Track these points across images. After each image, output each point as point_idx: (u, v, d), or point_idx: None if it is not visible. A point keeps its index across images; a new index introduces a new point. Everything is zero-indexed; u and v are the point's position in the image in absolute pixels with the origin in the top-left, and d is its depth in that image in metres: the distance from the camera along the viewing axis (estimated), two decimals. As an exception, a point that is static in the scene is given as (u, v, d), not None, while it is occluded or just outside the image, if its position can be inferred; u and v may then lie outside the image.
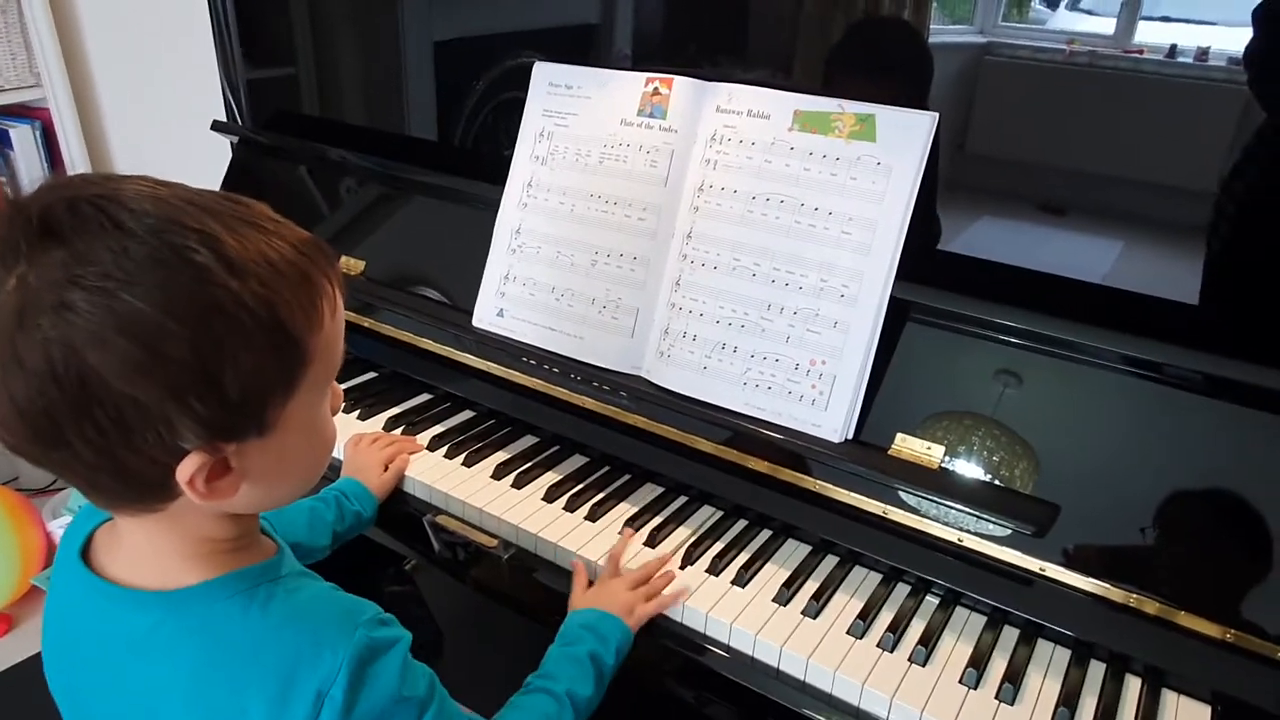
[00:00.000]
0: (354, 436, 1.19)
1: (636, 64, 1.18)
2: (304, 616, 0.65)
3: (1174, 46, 0.90)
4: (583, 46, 1.25)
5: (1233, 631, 0.83)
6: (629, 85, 1.13)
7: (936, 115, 0.96)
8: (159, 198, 0.57)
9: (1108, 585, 0.88)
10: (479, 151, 1.37)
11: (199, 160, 1.68)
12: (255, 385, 0.58)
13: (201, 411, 0.56)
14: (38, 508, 2.01)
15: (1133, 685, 0.88)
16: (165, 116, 2.16)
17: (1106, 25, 0.93)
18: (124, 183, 0.58)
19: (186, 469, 0.58)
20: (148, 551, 0.65)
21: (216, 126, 1.60)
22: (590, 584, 0.99)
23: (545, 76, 1.20)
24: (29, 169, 2.23)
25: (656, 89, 1.11)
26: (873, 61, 1.06)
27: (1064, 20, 0.98)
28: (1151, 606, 0.87)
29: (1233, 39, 0.85)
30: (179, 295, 0.54)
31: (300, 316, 0.60)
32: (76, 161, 2.25)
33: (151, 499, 0.61)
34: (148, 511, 0.62)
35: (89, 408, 0.54)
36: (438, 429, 1.25)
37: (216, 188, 1.55)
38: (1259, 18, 0.83)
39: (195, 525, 0.64)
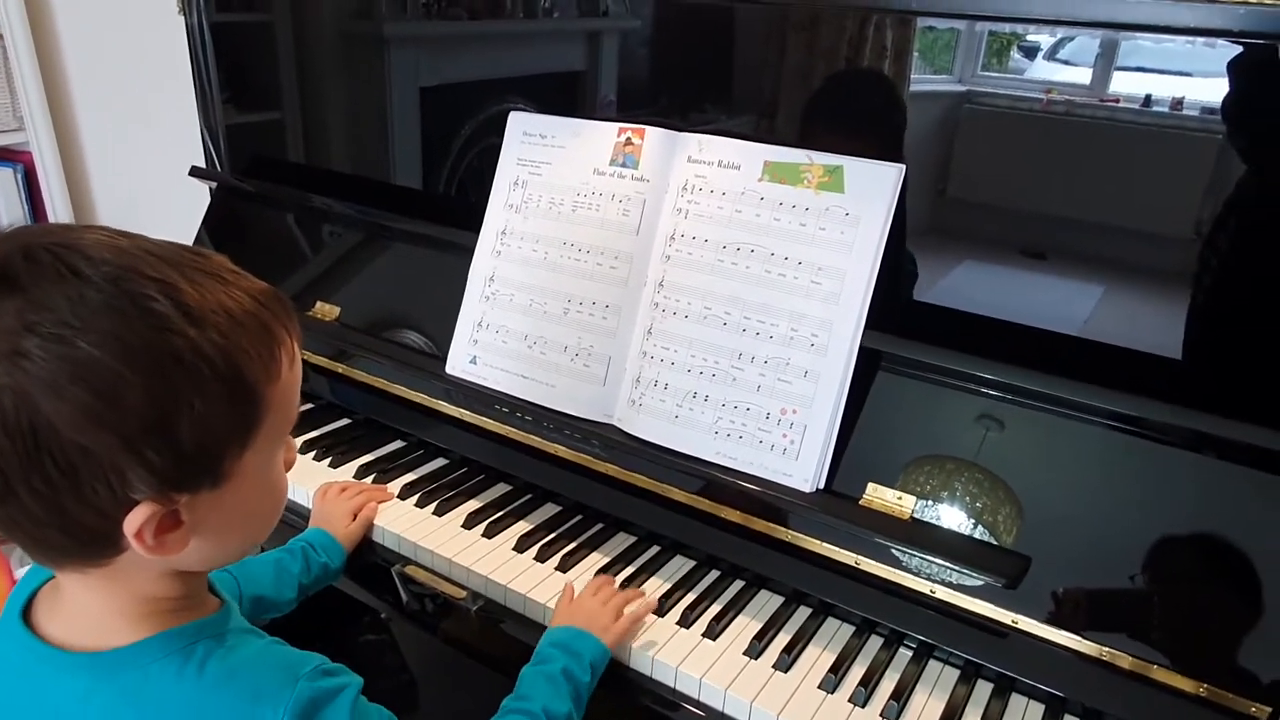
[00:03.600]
0: (322, 486, 1.17)
1: (621, 111, 1.19)
2: (241, 674, 0.63)
3: (1149, 96, 0.91)
4: (568, 94, 1.27)
5: (1206, 686, 0.82)
6: (601, 135, 1.14)
7: (903, 167, 0.97)
8: (118, 247, 0.57)
9: (1081, 639, 0.87)
10: (462, 198, 1.38)
11: (182, 205, 1.68)
12: (211, 435, 0.57)
13: (155, 462, 0.55)
14: (6, 555, 1.97)
15: (1107, 741, 0.87)
16: (149, 161, 2.17)
17: (1083, 75, 0.94)
18: (83, 232, 0.58)
19: (135, 520, 0.56)
20: (87, 611, 0.64)
21: (195, 172, 1.60)
22: None
23: (520, 126, 1.21)
24: (9, 212, 2.23)
25: (629, 139, 1.12)
26: (848, 113, 1.07)
27: (1042, 70, 0.99)
28: (1125, 660, 0.85)
29: (1205, 89, 0.86)
30: (135, 343, 0.54)
31: (258, 367, 0.59)
32: (58, 205, 2.25)
33: (97, 554, 0.60)
34: (92, 567, 0.61)
35: (39, 458, 0.53)
36: (409, 477, 1.24)
37: (195, 232, 1.56)
38: (1234, 69, 0.85)
39: (139, 583, 0.63)
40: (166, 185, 1.79)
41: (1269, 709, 0.80)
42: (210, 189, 1.62)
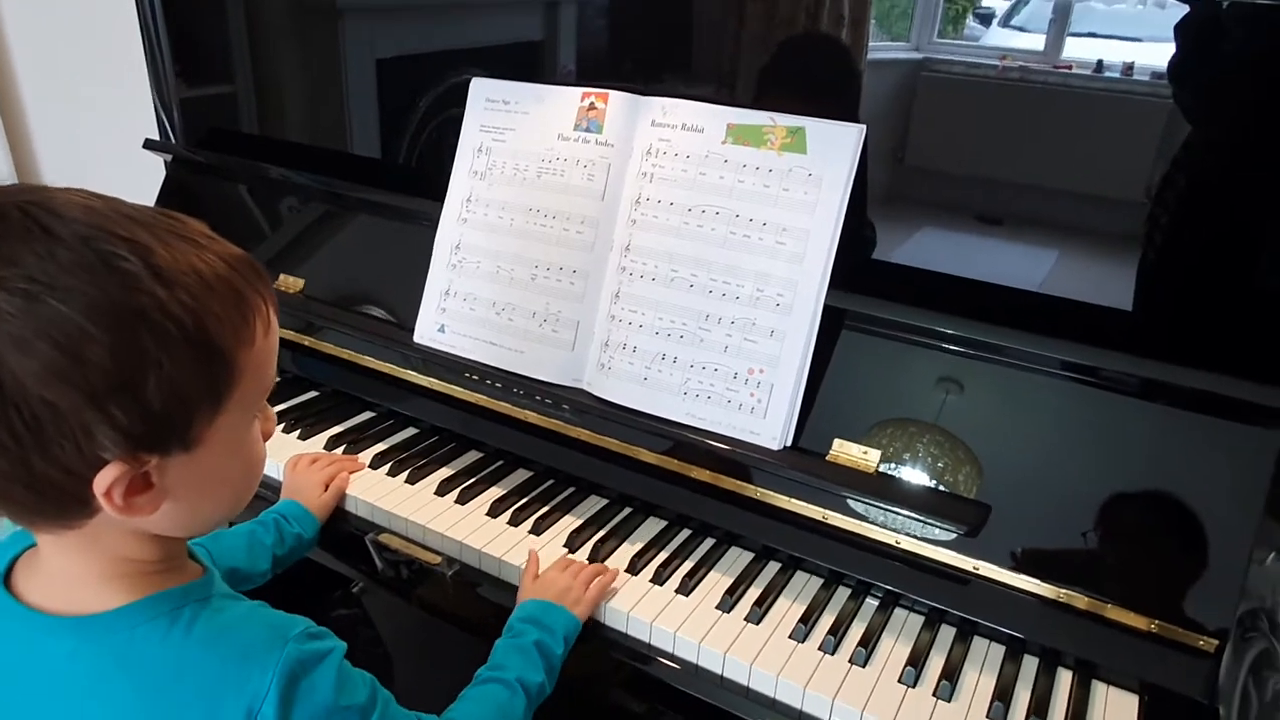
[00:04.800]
0: (293, 458, 1.17)
1: (579, 80, 1.19)
2: (229, 635, 0.64)
3: (1101, 62, 0.93)
4: (525, 63, 1.26)
5: (1157, 623, 0.86)
6: (565, 100, 1.14)
7: (864, 127, 0.98)
8: (91, 207, 0.57)
9: (1039, 582, 0.91)
10: (421, 168, 1.37)
11: (136, 179, 1.65)
12: (179, 397, 0.57)
13: (121, 420, 0.55)
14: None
15: (1064, 678, 0.91)
16: (99, 135, 2.12)
17: (1037, 41, 0.96)
18: (57, 192, 0.57)
19: (104, 480, 0.56)
20: (66, 574, 0.64)
21: (149, 145, 1.57)
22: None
23: (482, 92, 1.20)
24: (-46, 190, 2.17)
25: (592, 104, 1.12)
26: (806, 77, 1.09)
27: (997, 37, 1.01)
28: (1081, 601, 0.89)
29: (1156, 54, 0.88)
30: (103, 301, 0.54)
31: (229, 331, 0.59)
32: (3, 179, 2.19)
33: (68, 514, 0.59)
34: (65, 528, 0.60)
35: (4, 412, 0.53)
36: (380, 447, 1.24)
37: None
38: (1181, 31, 0.87)
39: (115, 545, 0.63)
40: (118, 159, 1.74)
41: (1215, 642, 0.84)
42: (165, 162, 1.59)
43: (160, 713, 0.61)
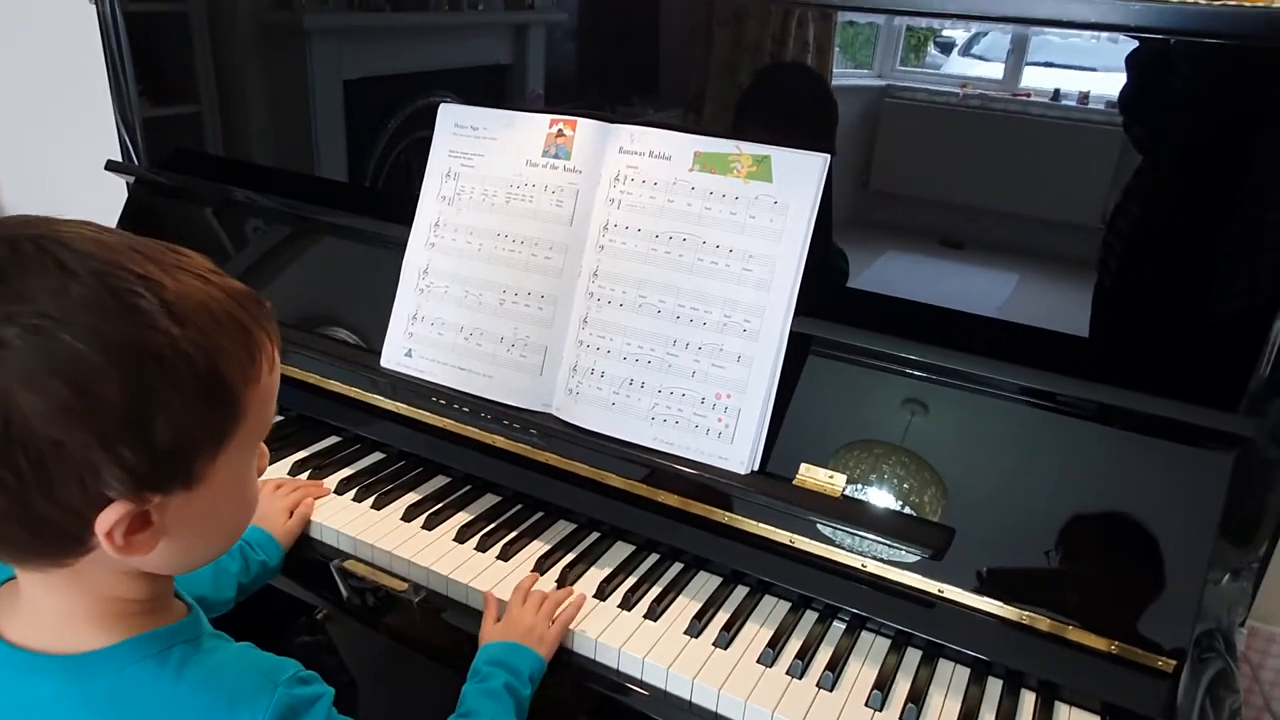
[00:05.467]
0: (257, 483, 1.16)
1: (547, 104, 1.20)
2: (219, 678, 0.63)
3: (1057, 90, 0.96)
4: (493, 87, 1.27)
5: (1117, 644, 0.88)
6: (533, 126, 1.14)
7: (829, 156, 1.00)
8: (102, 241, 0.56)
9: (1002, 604, 0.92)
10: (389, 191, 1.37)
11: (98, 200, 1.63)
12: (186, 436, 0.57)
13: (129, 460, 0.54)
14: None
15: (1028, 700, 0.92)
16: (61, 155, 2.09)
17: (996, 70, 0.99)
18: (64, 225, 0.57)
19: (107, 519, 0.55)
20: (51, 612, 0.62)
21: (111, 166, 1.55)
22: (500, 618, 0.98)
23: (451, 118, 1.21)
24: (-93, 210, 2.13)
25: (560, 130, 1.13)
26: (774, 107, 1.10)
27: (957, 65, 1.03)
28: (1044, 623, 0.91)
29: (1110, 84, 0.91)
30: (116, 338, 0.53)
31: (237, 369, 0.59)
32: (-40, 201, 2.16)
33: (62, 553, 0.58)
34: (55, 566, 0.59)
35: (9, 451, 0.52)
36: (347, 471, 1.23)
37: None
38: (1131, 64, 0.90)
39: (105, 584, 0.61)
40: (80, 180, 1.72)
41: (1174, 662, 0.86)
42: (127, 184, 1.57)
43: None
